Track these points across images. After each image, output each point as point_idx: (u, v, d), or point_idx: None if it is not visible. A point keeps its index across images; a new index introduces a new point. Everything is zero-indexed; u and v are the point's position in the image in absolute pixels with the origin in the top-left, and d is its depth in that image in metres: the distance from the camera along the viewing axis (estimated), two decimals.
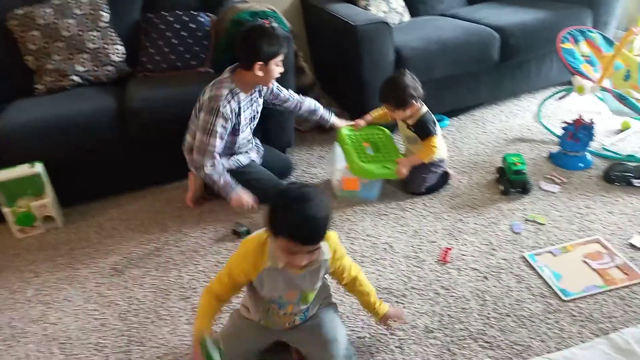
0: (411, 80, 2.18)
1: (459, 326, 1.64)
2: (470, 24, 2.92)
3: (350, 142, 2.35)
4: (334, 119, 2.51)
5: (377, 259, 1.97)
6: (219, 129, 2.14)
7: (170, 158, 2.51)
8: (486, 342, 1.57)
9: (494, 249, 1.96)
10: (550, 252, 1.91)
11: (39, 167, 2.26)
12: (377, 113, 2.45)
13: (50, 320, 1.84)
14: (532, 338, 1.57)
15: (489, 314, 1.68)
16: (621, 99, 2.31)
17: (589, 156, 2.43)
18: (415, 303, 1.75)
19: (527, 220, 2.10)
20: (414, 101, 2.19)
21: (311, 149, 2.85)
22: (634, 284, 1.73)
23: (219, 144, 2.16)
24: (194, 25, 2.72)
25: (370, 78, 2.64)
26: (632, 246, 1.90)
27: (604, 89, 2.42)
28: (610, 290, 1.71)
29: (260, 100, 2.35)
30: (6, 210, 2.27)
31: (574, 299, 1.69)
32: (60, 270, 2.10)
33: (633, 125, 2.68)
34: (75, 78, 2.60)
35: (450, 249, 1.98)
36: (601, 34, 2.75)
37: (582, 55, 2.63)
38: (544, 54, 2.98)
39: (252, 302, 1.48)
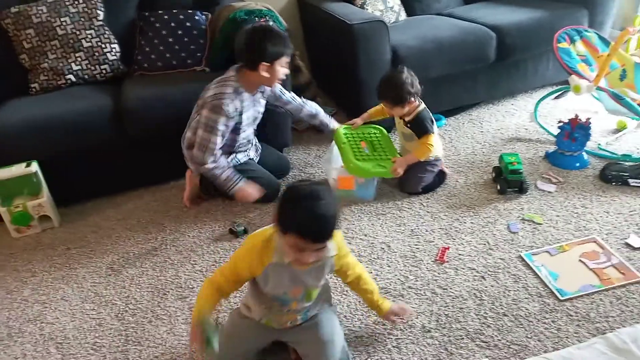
0: (409, 76, 2.18)
1: (456, 326, 1.64)
2: (467, 23, 2.92)
3: (347, 141, 2.35)
4: (333, 124, 2.50)
5: (375, 258, 1.98)
6: (221, 127, 2.14)
7: (167, 157, 2.51)
8: (483, 341, 1.58)
9: (491, 249, 1.97)
10: (547, 252, 1.92)
11: (35, 167, 2.25)
12: (373, 109, 2.45)
13: (47, 320, 1.84)
14: (529, 338, 1.57)
15: (486, 313, 1.68)
16: (617, 98, 2.31)
17: (585, 156, 2.44)
18: (412, 303, 1.75)
19: (524, 219, 2.11)
20: (412, 98, 2.19)
21: (308, 148, 2.85)
22: (631, 284, 1.73)
23: (220, 142, 2.17)
24: (189, 24, 2.71)
25: (367, 77, 2.64)
26: (629, 246, 1.91)
27: (600, 89, 2.42)
28: (606, 290, 1.72)
29: (263, 102, 2.35)
30: (2, 209, 2.26)
31: (571, 299, 1.70)
32: (57, 270, 2.09)
33: (629, 124, 2.69)
34: (71, 77, 2.59)
35: (447, 248, 1.99)
36: (597, 34, 2.75)
37: (578, 55, 2.64)
38: (540, 54, 2.98)
39: (254, 299, 1.48)
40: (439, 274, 1.87)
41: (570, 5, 2.98)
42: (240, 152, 2.36)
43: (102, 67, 2.65)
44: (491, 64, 2.87)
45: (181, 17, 2.71)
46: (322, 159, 2.65)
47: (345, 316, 1.72)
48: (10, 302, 1.94)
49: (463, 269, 1.88)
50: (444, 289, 1.80)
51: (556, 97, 3.07)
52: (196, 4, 2.84)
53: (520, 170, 2.24)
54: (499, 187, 2.29)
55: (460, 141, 2.76)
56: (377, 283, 1.84)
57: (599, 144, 2.57)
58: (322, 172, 2.59)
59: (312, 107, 2.48)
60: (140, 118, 2.35)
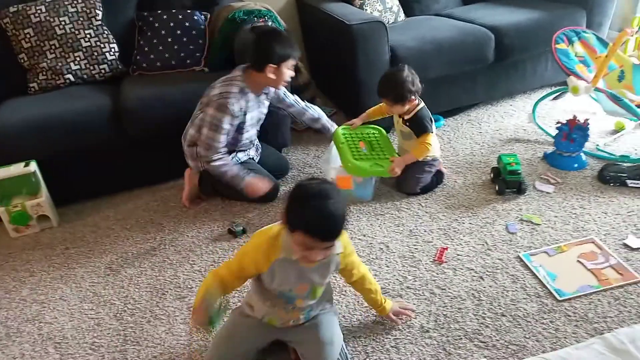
0: (410, 75, 2.17)
1: (455, 326, 1.65)
2: (466, 23, 2.93)
3: (345, 141, 2.35)
4: (335, 129, 2.49)
5: (373, 258, 1.98)
6: (226, 126, 2.15)
7: (166, 157, 2.51)
8: (482, 341, 1.58)
9: (489, 249, 1.97)
10: (545, 252, 1.92)
11: (33, 166, 2.25)
12: (372, 109, 2.46)
13: (46, 320, 1.83)
14: (527, 338, 1.58)
15: (484, 313, 1.68)
16: (615, 99, 2.32)
17: (583, 157, 2.45)
18: (411, 303, 1.75)
19: (522, 220, 2.11)
20: (412, 96, 2.19)
21: (307, 148, 2.85)
22: (629, 284, 1.74)
23: (224, 140, 2.18)
24: (188, 24, 2.72)
25: (366, 77, 2.64)
26: (627, 246, 1.91)
27: (598, 90, 2.43)
28: (604, 290, 1.72)
29: (267, 103, 2.36)
30: (1, 209, 2.25)
31: (569, 299, 1.70)
32: (55, 270, 2.09)
33: (627, 125, 2.70)
34: (70, 77, 2.59)
35: (445, 248, 1.99)
36: (595, 35, 2.76)
37: (577, 56, 2.65)
38: (538, 54, 2.99)
39: (258, 296, 1.48)
40: (437, 274, 1.87)
41: (568, 6, 2.99)
42: (241, 151, 2.37)
43: (101, 66, 2.65)
44: (490, 64, 2.87)
45: (180, 17, 2.72)
46: (321, 159, 2.65)
47: (343, 316, 1.72)
48: (9, 302, 1.94)
49: (461, 269, 1.89)
50: (443, 289, 1.80)
51: (554, 98, 3.08)
52: (195, 4, 2.84)
53: (519, 171, 2.24)
54: (497, 188, 2.29)
55: (459, 142, 2.77)
56: None
57: (597, 145, 2.58)
58: (320, 172, 2.59)
59: (314, 111, 2.49)
60: (139, 118, 2.35)
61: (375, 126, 2.50)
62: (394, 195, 2.37)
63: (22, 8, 2.56)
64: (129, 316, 1.81)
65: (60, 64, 2.57)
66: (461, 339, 1.60)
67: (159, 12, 2.73)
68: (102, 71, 2.65)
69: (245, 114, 2.21)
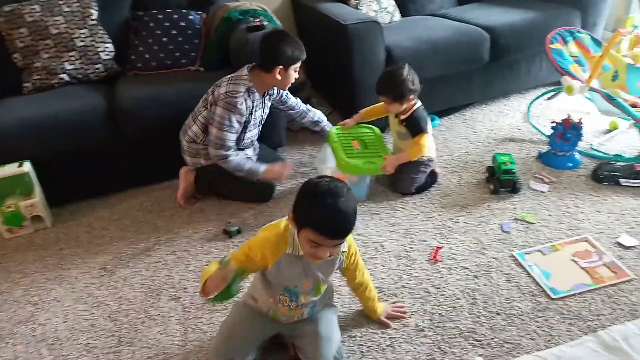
0: (410, 74, 2.17)
1: (450, 325, 1.65)
2: (461, 24, 2.93)
3: (338, 140, 2.35)
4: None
5: (369, 258, 1.98)
6: (236, 125, 2.17)
7: (161, 157, 2.51)
8: (476, 340, 1.58)
9: (484, 248, 1.98)
10: (540, 251, 1.93)
11: (27, 167, 2.24)
12: (365, 110, 2.46)
13: (39, 321, 1.82)
14: (521, 336, 1.58)
15: (479, 312, 1.69)
16: (609, 99, 2.33)
17: (577, 156, 2.46)
18: (406, 302, 1.75)
19: (516, 219, 2.12)
20: (411, 96, 2.19)
21: (303, 148, 2.85)
22: (622, 282, 1.75)
23: (234, 138, 2.20)
24: (184, 24, 2.71)
25: (361, 77, 2.64)
26: (620, 245, 1.92)
27: (592, 89, 2.44)
28: (598, 289, 1.73)
29: (269, 104, 2.36)
30: None
31: (563, 297, 1.71)
32: (49, 271, 2.08)
33: (621, 125, 2.71)
34: (64, 76, 2.58)
35: (440, 248, 1.99)
36: (589, 35, 2.77)
37: (571, 56, 2.66)
38: (533, 54, 3.00)
39: (262, 291, 1.48)
40: (432, 273, 1.88)
41: (563, 6, 3.00)
42: (240, 150, 2.36)
43: (96, 66, 2.64)
44: (485, 64, 2.88)
45: (175, 16, 2.71)
46: (316, 159, 2.65)
47: (339, 316, 1.71)
48: (2, 303, 1.93)
49: (456, 268, 1.89)
50: (438, 288, 1.80)
51: (549, 98, 3.09)
52: (190, 4, 2.83)
53: (513, 170, 2.25)
54: (492, 187, 2.30)
55: (454, 141, 2.77)
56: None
57: (591, 144, 2.59)
58: (316, 171, 2.59)
59: (315, 114, 2.51)
60: (135, 118, 2.34)
61: (369, 125, 2.49)
62: (389, 195, 2.37)
63: (16, 7, 2.54)
64: (124, 317, 1.81)
65: (54, 64, 2.56)
66: (456, 337, 1.60)
67: (154, 11, 2.73)
68: (97, 71, 2.64)
69: (251, 113, 2.22)
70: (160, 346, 1.67)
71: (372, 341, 1.62)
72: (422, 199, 2.32)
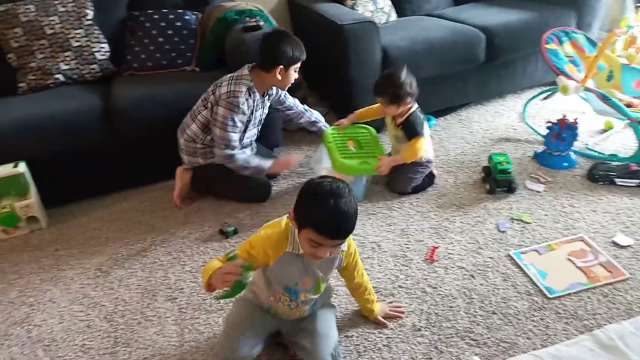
0: (408, 77, 2.18)
1: (446, 324, 1.65)
2: (457, 24, 2.94)
3: (334, 140, 2.35)
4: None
5: (365, 258, 1.98)
6: (239, 125, 2.17)
7: (157, 158, 2.50)
8: (473, 339, 1.59)
9: (480, 248, 1.98)
10: (536, 251, 1.93)
11: (22, 167, 2.23)
12: (360, 111, 2.46)
13: (35, 322, 1.82)
14: (518, 335, 1.59)
15: (475, 311, 1.69)
16: (604, 99, 2.34)
17: (573, 155, 2.46)
18: (402, 302, 1.75)
19: (512, 219, 2.13)
20: (408, 98, 2.19)
21: (299, 148, 2.84)
22: (617, 281, 1.75)
23: (238, 137, 2.20)
24: (180, 24, 2.71)
25: (357, 77, 2.64)
26: (615, 244, 1.93)
27: (587, 89, 2.45)
28: (594, 288, 1.74)
29: (268, 104, 2.36)
30: None
31: (559, 297, 1.71)
32: (44, 272, 2.07)
33: (616, 125, 2.73)
34: (59, 77, 2.57)
35: (437, 247, 2.00)
36: (585, 35, 2.79)
37: (566, 56, 2.67)
38: (528, 54, 3.01)
39: (262, 290, 1.49)
40: (428, 273, 1.88)
41: (558, 6, 3.01)
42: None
43: (91, 66, 2.63)
44: (480, 64, 2.89)
45: (171, 16, 2.70)
46: (312, 159, 2.65)
47: (335, 315, 1.71)
48: None
49: (453, 267, 1.89)
50: (434, 287, 1.81)
51: (544, 98, 3.10)
52: (186, 4, 2.83)
53: (509, 170, 2.26)
54: (488, 187, 2.31)
55: (450, 141, 2.78)
56: None
57: (587, 144, 2.60)
58: (312, 172, 2.59)
59: (312, 114, 2.51)
60: (131, 118, 2.34)
61: (365, 125, 2.50)
62: (386, 195, 2.37)
63: (11, 7, 2.53)
64: (120, 318, 1.80)
65: (49, 64, 2.55)
66: (453, 337, 1.60)
67: (150, 11, 2.72)
68: (93, 71, 2.64)
69: (251, 113, 2.22)
70: (157, 347, 1.67)
71: (368, 341, 1.62)
72: (418, 199, 2.32)
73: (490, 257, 1.92)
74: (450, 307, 1.72)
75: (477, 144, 2.73)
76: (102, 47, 2.66)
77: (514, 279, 1.81)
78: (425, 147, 2.29)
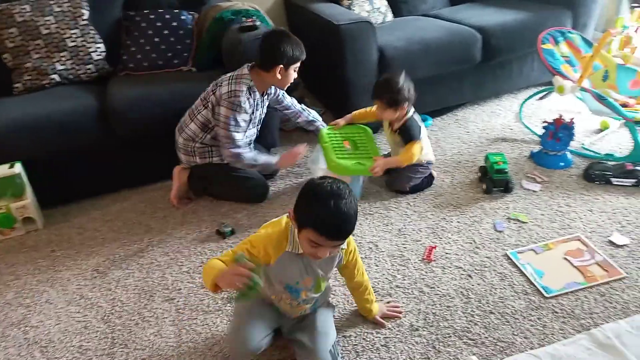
0: (406, 82, 2.19)
1: (444, 324, 1.66)
2: (453, 24, 2.94)
3: (329, 140, 2.35)
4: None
5: (363, 258, 1.97)
6: (242, 124, 2.17)
7: (154, 158, 2.50)
8: (470, 339, 1.59)
9: (477, 247, 1.99)
10: (533, 250, 1.94)
11: (18, 168, 2.22)
12: (357, 112, 2.46)
13: (32, 324, 1.81)
14: (515, 335, 1.59)
15: (473, 311, 1.69)
16: (600, 99, 2.35)
17: (569, 155, 2.47)
18: (400, 301, 1.76)
19: (509, 218, 2.13)
20: (405, 103, 2.20)
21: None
22: (614, 280, 1.76)
23: (243, 136, 2.20)
24: (176, 24, 2.70)
25: (354, 77, 2.64)
26: (612, 243, 1.94)
27: (583, 89, 2.46)
28: (591, 287, 1.75)
29: (266, 103, 2.36)
30: None
31: (556, 296, 1.72)
32: (41, 273, 2.06)
33: (611, 124, 2.74)
34: (55, 77, 2.56)
35: (434, 247, 2.00)
36: (580, 35, 2.80)
37: (562, 56, 2.68)
38: (525, 55, 3.02)
39: (264, 288, 1.47)
40: (426, 272, 1.88)
41: (554, 7, 3.02)
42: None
43: (87, 67, 2.62)
44: (477, 65, 2.89)
45: (167, 16, 2.70)
46: (308, 159, 2.65)
47: (334, 316, 1.71)
48: None
49: (450, 267, 1.90)
50: (432, 287, 1.81)
51: (540, 98, 3.11)
52: (182, 4, 2.82)
53: (506, 170, 2.26)
54: (484, 187, 2.31)
55: (447, 141, 2.78)
56: None
57: (583, 144, 2.61)
58: (308, 172, 2.59)
59: (309, 113, 2.51)
60: (127, 118, 2.33)
61: (362, 126, 2.50)
62: (383, 195, 2.38)
63: (6, 7, 2.52)
64: (117, 319, 1.80)
65: (45, 64, 2.54)
66: (450, 336, 1.61)
67: (146, 11, 2.71)
68: (88, 71, 2.63)
69: (252, 112, 2.22)
70: (154, 347, 1.66)
71: (366, 341, 1.62)
72: (415, 198, 2.32)
73: (487, 257, 1.93)
74: (448, 306, 1.72)
75: (474, 143, 2.74)
76: (98, 47, 2.65)
77: (511, 278, 1.82)
78: (426, 149, 2.31)
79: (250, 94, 2.16)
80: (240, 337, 1.46)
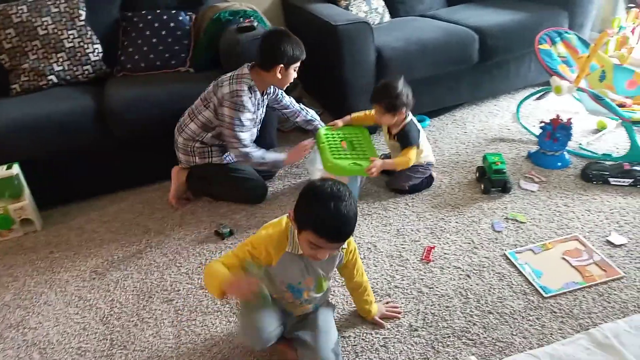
0: (405, 87, 2.21)
1: (443, 324, 1.66)
2: (450, 24, 2.95)
3: (326, 141, 2.35)
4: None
5: (361, 258, 1.96)
6: (247, 123, 2.18)
7: (151, 158, 2.49)
8: (469, 339, 1.59)
9: (475, 248, 1.99)
10: (531, 250, 1.94)
11: (16, 169, 2.21)
12: (356, 115, 2.46)
13: (30, 325, 1.80)
14: (514, 335, 1.59)
15: (471, 311, 1.70)
16: (597, 99, 2.36)
17: (566, 155, 2.48)
18: (399, 302, 1.76)
19: (507, 218, 2.14)
20: (403, 109, 2.21)
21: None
22: (612, 280, 1.77)
23: (249, 135, 2.20)
24: (173, 24, 2.70)
25: (352, 78, 2.65)
26: (610, 243, 1.94)
27: (580, 89, 2.47)
28: (589, 287, 1.75)
29: (266, 103, 2.36)
30: None
31: (555, 296, 1.72)
32: (39, 274, 2.06)
33: (609, 124, 2.75)
34: (52, 78, 2.55)
35: (433, 247, 2.00)
36: (577, 35, 2.80)
37: (559, 56, 2.68)
38: (522, 55, 3.02)
39: (266, 287, 1.48)
40: (424, 273, 1.89)
41: (551, 7, 3.03)
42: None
43: (85, 67, 2.62)
44: (474, 65, 2.90)
45: (165, 17, 2.70)
46: (306, 160, 2.65)
47: (333, 316, 1.72)
48: None
49: (448, 267, 1.90)
50: (430, 287, 1.81)
51: (538, 98, 3.12)
52: (180, 4, 2.82)
53: (504, 170, 2.27)
54: (483, 187, 2.32)
55: (444, 142, 2.79)
56: None
57: (580, 144, 2.62)
58: (306, 172, 2.59)
59: (308, 112, 2.51)
60: (124, 119, 2.33)
61: (359, 127, 2.49)
62: (381, 195, 2.38)
63: (3, 8, 2.52)
64: (116, 320, 1.79)
65: (42, 65, 2.53)
66: (449, 337, 1.61)
67: (144, 12, 2.71)
68: (86, 72, 2.62)
69: (254, 111, 2.22)
70: (153, 349, 1.66)
71: (365, 341, 1.62)
72: (413, 199, 2.33)
73: (486, 257, 1.93)
74: (447, 307, 1.73)
75: (472, 144, 2.74)
76: (96, 48, 2.64)
77: (510, 278, 1.82)
78: (426, 151, 2.32)
79: (251, 93, 2.16)
80: (253, 330, 1.44)
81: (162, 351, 1.65)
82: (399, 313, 1.70)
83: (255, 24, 2.51)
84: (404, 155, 2.24)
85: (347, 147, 2.36)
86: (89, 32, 2.64)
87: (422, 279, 1.86)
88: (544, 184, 2.35)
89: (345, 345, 1.61)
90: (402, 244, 2.04)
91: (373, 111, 2.32)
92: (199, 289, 1.89)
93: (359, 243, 2.06)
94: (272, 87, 2.31)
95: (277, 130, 2.75)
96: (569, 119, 2.42)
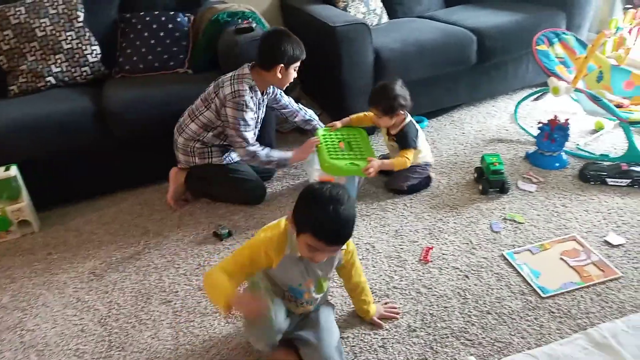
0: (402, 90, 2.21)
1: (441, 324, 1.66)
2: (448, 25, 2.95)
3: (324, 141, 2.35)
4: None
5: (360, 259, 1.96)
6: (251, 122, 2.18)
7: (149, 159, 2.49)
8: (468, 339, 1.60)
9: (474, 248, 1.99)
10: (529, 250, 1.95)
11: (14, 170, 2.21)
12: (355, 116, 2.46)
13: (28, 327, 1.80)
14: (512, 335, 1.60)
15: (470, 312, 1.70)
16: (595, 99, 2.36)
17: (564, 156, 2.49)
18: (397, 302, 1.76)
19: (505, 219, 2.14)
20: (401, 110, 2.21)
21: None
22: (610, 280, 1.77)
23: (253, 135, 2.21)
24: (172, 25, 2.70)
25: (350, 79, 2.65)
26: (607, 243, 1.95)
27: (578, 90, 2.47)
28: (587, 287, 1.75)
29: (266, 103, 2.36)
30: None
31: (553, 296, 1.73)
32: (37, 276, 2.05)
33: (606, 125, 2.75)
34: (50, 79, 2.55)
35: (431, 248, 2.01)
36: (575, 36, 2.81)
37: (557, 57, 2.69)
38: (520, 56, 3.03)
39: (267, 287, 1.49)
40: (423, 273, 1.89)
41: (548, 8, 3.04)
42: (235, 150, 2.36)
43: (83, 69, 2.61)
44: (472, 66, 2.90)
45: (163, 18, 2.69)
46: (304, 161, 2.65)
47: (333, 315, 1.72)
48: None
49: (447, 268, 1.90)
50: (429, 288, 1.81)
51: (535, 99, 3.12)
52: (178, 6, 2.82)
53: (502, 171, 2.27)
54: (481, 188, 2.32)
55: (442, 142, 2.79)
56: None
57: (578, 145, 2.63)
58: (304, 173, 2.59)
59: (306, 112, 2.52)
60: (124, 119, 2.33)
61: (357, 127, 2.49)
62: (380, 196, 2.38)
63: (1, 9, 2.51)
64: (114, 321, 1.79)
65: (41, 66, 2.53)
66: (448, 337, 1.61)
67: (142, 13, 2.71)
68: (84, 73, 2.62)
69: (256, 111, 2.23)
70: (152, 350, 1.66)
71: (364, 342, 1.62)
72: (411, 200, 2.33)
73: (484, 257, 1.94)
74: (445, 307, 1.73)
75: (470, 144, 2.75)
76: (94, 49, 2.64)
77: (508, 278, 1.82)
78: (424, 151, 2.33)
79: (252, 93, 2.16)
80: (264, 320, 1.41)
81: (161, 353, 1.65)
82: (398, 314, 1.70)
83: (254, 25, 2.51)
84: (402, 156, 2.25)
85: (345, 147, 2.36)
86: (87, 34, 2.64)
87: (420, 279, 1.86)
88: (541, 184, 2.35)
89: (344, 346, 1.61)
90: (400, 245, 2.04)
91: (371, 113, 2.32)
92: (197, 291, 1.89)
93: (357, 244, 2.06)
94: (271, 87, 2.31)
95: (275, 131, 2.75)
96: (567, 120, 2.43)
